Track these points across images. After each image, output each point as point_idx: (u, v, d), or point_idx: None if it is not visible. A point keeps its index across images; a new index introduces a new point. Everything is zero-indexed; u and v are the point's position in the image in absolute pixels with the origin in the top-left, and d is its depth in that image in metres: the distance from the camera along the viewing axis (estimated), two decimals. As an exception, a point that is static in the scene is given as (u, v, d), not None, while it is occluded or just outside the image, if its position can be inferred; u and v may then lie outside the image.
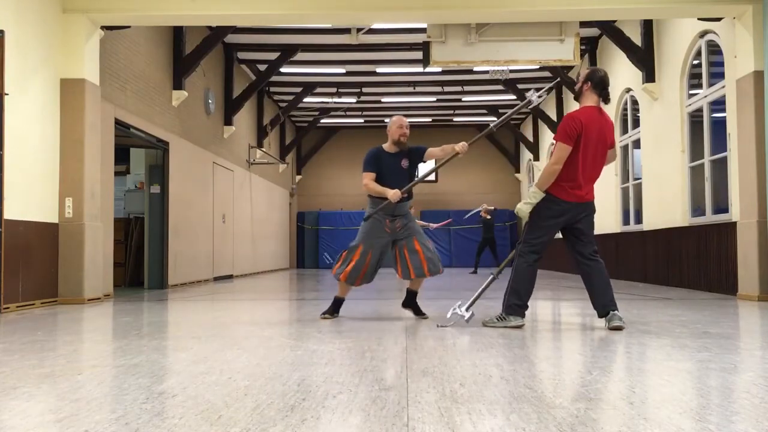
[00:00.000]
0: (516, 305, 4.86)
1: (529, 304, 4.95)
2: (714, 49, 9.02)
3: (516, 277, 4.89)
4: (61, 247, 7.67)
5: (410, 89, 17.17)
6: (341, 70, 15.74)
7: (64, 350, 4.05)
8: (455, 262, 22.07)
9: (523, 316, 4.91)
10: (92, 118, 8.01)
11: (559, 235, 5.10)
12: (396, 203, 5.43)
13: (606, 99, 4.88)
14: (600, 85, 4.83)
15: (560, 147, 4.74)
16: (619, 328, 4.69)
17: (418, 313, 5.67)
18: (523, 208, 4.87)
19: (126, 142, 10.65)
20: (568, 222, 4.90)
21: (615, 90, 12.95)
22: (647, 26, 10.84)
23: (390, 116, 19.37)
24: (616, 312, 4.76)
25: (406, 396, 2.66)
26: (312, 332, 4.75)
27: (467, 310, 5.08)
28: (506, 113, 5.81)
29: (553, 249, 5.27)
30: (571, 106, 15.69)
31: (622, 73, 12.41)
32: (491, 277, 5.21)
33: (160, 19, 8.92)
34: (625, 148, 12.71)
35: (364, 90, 17.52)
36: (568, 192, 4.82)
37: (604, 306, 4.80)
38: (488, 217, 16.90)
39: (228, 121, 14.40)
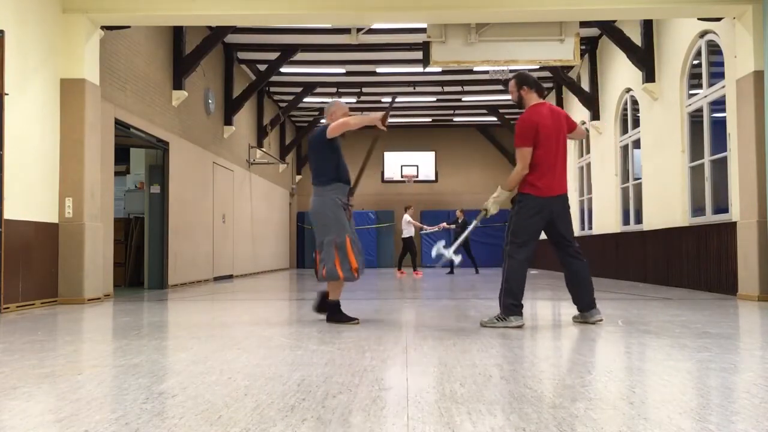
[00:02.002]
0: (513, 305, 4.94)
1: (522, 302, 5.04)
2: (714, 49, 9.02)
3: (509, 277, 4.96)
4: (61, 247, 7.67)
5: (410, 89, 17.17)
6: (341, 70, 15.74)
7: (64, 350, 4.05)
8: (454, 262, 22.06)
9: (521, 315, 4.98)
10: (92, 118, 8.01)
11: (543, 236, 5.18)
12: (351, 195, 5.33)
13: (542, 93, 5.22)
14: (533, 83, 5.13)
15: (522, 152, 4.95)
16: (600, 321, 5.10)
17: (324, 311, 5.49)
18: (492, 205, 5.09)
19: (126, 142, 10.65)
20: (550, 217, 5.03)
21: (615, 90, 12.96)
22: (647, 26, 10.84)
23: (389, 116, 19.35)
24: (595, 308, 5.14)
25: (406, 396, 2.66)
26: (312, 332, 4.75)
27: (455, 253, 5.38)
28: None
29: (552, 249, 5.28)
30: (572, 105, 15.70)
31: (622, 73, 12.41)
32: (474, 223, 5.48)
33: (160, 19, 8.92)
34: (625, 148, 12.71)
35: (364, 90, 17.52)
36: (541, 187, 4.96)
37: (588, 304, 5.13)
38: (462, 217, 16.99)
39: (228, 121, 14.40)
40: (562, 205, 5.08)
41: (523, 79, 5.13)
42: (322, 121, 5.41)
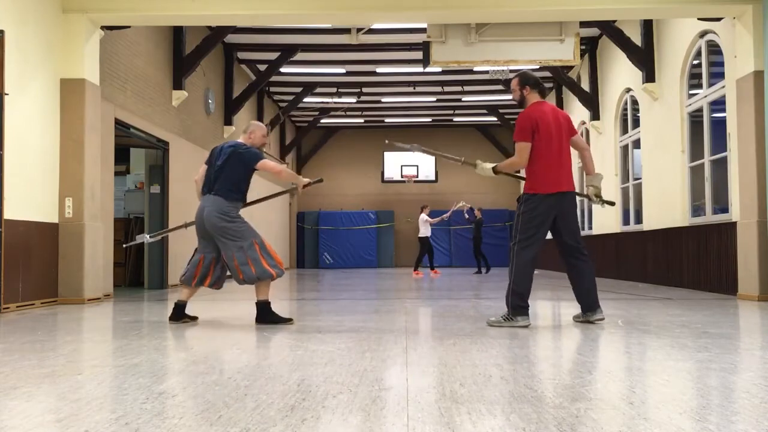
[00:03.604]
0: (520, 306, 4.95)
1: (528, 302, 5.03)
2: (714, 49, 9.02)
3: (516, 277, 4.95)
4: (61, 247, 7.66)
5: (410, 89, 17.17)
6: (341, 70, 15.74)
7: (64, 350, 4.05)
8: (455, 262, 22.07)
9: (528, 315, 5.00)
10: (92, 118, 8.01)
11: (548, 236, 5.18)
12: None
13: (544, 93, 5.26)
14: (536, 83, 5.19)
15: (520, 146, 5.01)
16: (601, 320, 5.12)
17: (187, 317, 5.62)
18: (482, 167, 5.29)
19: (126, 142, 10.64)
20: (557, 216, 5.04)
21: (615, 90, 12.96)
22: (647, 26, 10.84)
23: (389, 116, 19.38)
24: (599, 308, 5.13)
25: (406, 396, 2.66)
26: (312, 332, 4.75)
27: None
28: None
29: (553, 249, 5.27)
30: (572, 105, 15.70)
31: (622, 73, 12.41)
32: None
33: (160, 19, 8.92)
34: (625, 148, 12.71)
35: (364, 90, 17.53)
36: (548, 182, 4.98)
37: (591, 305, 5.13)
38: (480, 216, 16.99)
39: (228, 121, 14.40)
40: (569, 203, 5.08)
41: (525, 79, 5.16)
42: (240, 139, 5.66)
